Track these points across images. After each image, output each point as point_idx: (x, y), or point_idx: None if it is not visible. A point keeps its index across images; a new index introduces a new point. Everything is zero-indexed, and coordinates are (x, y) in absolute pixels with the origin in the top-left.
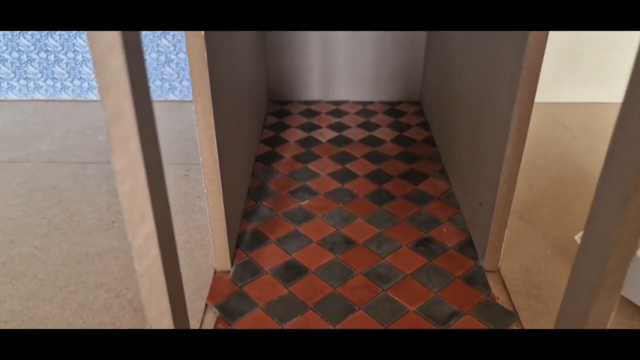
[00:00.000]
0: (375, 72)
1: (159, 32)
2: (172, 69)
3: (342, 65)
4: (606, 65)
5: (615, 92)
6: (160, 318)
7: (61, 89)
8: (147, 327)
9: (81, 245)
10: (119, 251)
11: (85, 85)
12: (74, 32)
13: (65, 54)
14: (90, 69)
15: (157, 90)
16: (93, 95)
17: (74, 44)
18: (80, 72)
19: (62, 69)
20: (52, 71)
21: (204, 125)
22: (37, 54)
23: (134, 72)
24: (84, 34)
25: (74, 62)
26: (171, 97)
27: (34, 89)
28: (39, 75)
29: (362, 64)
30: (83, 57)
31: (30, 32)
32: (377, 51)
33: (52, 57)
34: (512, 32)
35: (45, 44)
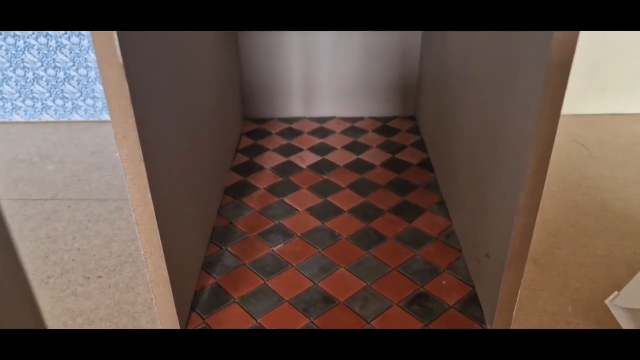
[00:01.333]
0: (365, 83)
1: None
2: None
3: (327, 76)
4: (628, 72)
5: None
6: None
7: (12, 109)
8: None
9: None
10: (50, 316)
11: (39, 105)
12: (23, 48)
13: (14, 71)
14: (42, 87)
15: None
16: (48, 116)
17: (23, 59)
18: (32, 91)
19: (12, 87)
20: (0, 90)
21: (133, 175)
22: None
23: None
24: (34, 49)
25: (24, 81)
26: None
27: None
28: None
29: (350, 75)
30: (34, 74)
31: None
32: (366, 59)
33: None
34: (531, 32)
35: None
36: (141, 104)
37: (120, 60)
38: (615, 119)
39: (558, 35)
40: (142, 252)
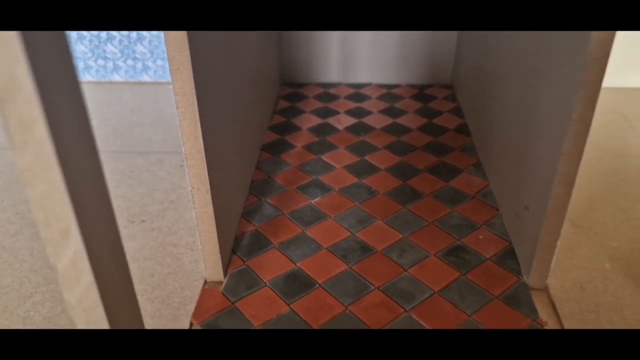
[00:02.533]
0: (402, 51)
1: None
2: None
3: (364, 44)
4: None
5: None
6: None
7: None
8: None
9: None
10: None
11: (82, 65)
12: None
13: None
14: (85, 47)
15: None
16: (89, 76)
17: None
18: (75, 51)
19: None
20: None
21: (185, 108)
22: None
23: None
24: None
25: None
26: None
27: None
28: None
29: (387, 43)
30: (78, 34)
31: None
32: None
33: None
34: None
35: None
36: (195, 44)
37: None
38: None
39: None
40: (190, 189)
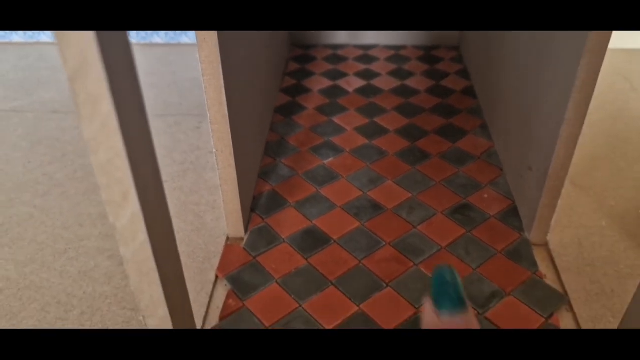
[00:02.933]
0: None
1: None
2: None
3: None
4: None
5: None
6: (153, 308)
7: None
8: (141, 316)
9: (83, 205)
10: None
11: None
12: None
13: None
14: None
15: (169, 33)
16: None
17: None
18: None
19: None
20: None
21: (211, 76)
22: None
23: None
24: None
25: None
26: (185, 40)
27: (40, 31)
28: None
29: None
30: None
31: None
32: None
33: None
34: None
35: None
36: None
37: None
38: None
39: None
40: (214, 151)
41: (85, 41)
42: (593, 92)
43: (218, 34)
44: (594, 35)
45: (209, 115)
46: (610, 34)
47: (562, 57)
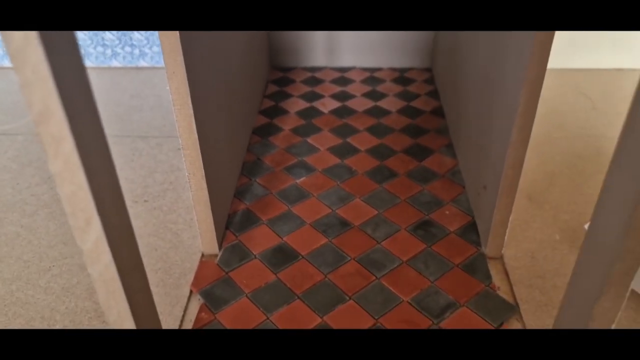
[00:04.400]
0: (384, 36)
1: None
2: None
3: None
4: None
5: None
6: (121, 322)
7: None
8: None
9: (68, 225)
10: None
11: (82, 52)
12: None
13: None
14: (85, 35)
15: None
16: (89, 62)
17: None
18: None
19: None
20: None
21: (181, 105)
22: None
23: (59, 65)
24: None
25: None
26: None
27: None
28: None
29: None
30: None
31: None
32: None
33: None
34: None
35: None
36: (187, 45)
37: None
38: (622, 73)
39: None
40: (187, 174)
41: (47, 89)
42: (534, 118)
43: (187, 65)
44: (534, 60)
45: (180, 141)
46: (547, 61)
47: (508, 81)
